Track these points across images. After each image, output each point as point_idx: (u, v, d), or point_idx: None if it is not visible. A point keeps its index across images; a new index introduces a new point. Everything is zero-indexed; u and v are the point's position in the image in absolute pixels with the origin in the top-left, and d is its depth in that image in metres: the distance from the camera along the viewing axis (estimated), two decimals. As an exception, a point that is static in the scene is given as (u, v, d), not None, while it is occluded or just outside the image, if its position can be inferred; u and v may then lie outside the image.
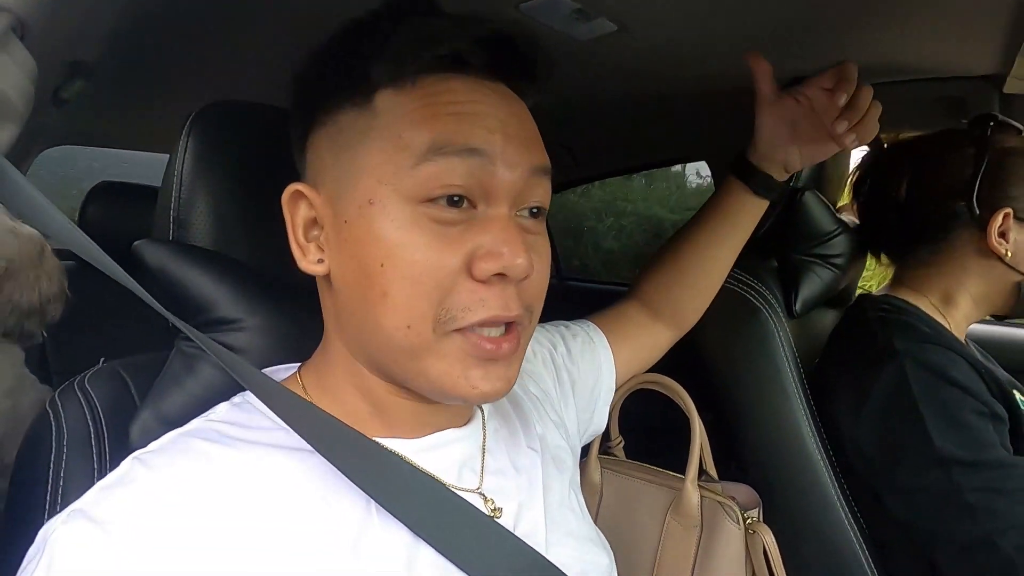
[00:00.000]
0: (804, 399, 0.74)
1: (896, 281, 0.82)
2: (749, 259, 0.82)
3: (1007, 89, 0.85)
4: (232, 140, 0.49)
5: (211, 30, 0.74)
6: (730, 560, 0.65)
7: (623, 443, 0.82)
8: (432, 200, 0.37)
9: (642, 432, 0.81)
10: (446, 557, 0.37)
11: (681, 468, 0.70)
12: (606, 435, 0.81)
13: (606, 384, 0.67)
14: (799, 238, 0.84)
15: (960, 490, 0.61)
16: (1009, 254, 0.72)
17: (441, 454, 0.43)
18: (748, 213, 0.68)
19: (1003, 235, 0.72)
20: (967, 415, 0.64)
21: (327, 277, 0.41)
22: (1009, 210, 0.72)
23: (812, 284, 0.84)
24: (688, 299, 0.72)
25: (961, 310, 0.77)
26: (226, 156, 0.49)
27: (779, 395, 0.74)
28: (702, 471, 0.74)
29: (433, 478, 0.40)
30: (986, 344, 0.87)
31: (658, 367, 0.75)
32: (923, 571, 0.66)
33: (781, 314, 0.79)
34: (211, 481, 0.36)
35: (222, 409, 0.42)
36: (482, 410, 0.49)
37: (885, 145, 0.87)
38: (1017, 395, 0.75)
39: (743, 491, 0.72)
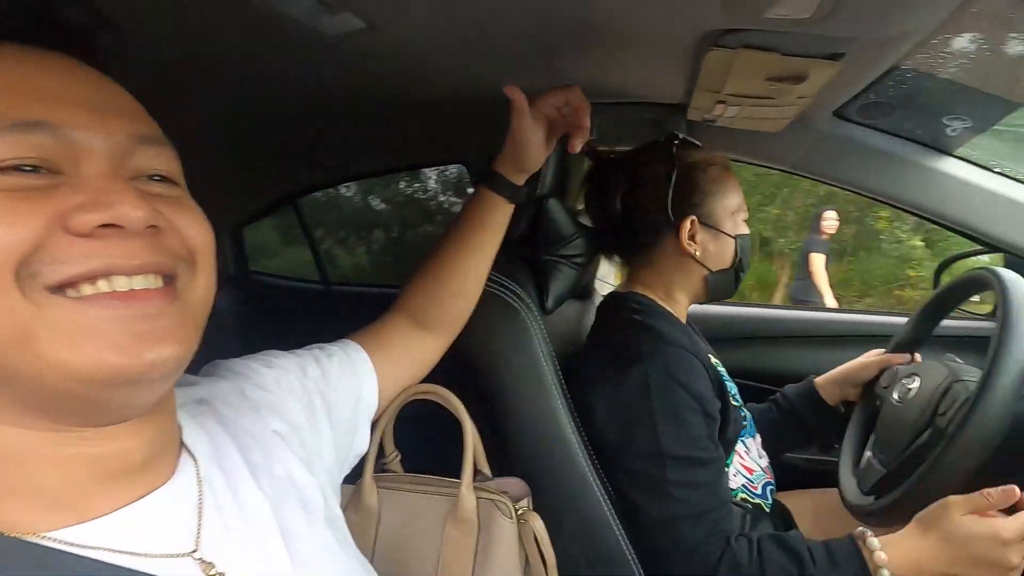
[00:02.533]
0: (560, 389, 0.81)
1: (631, 278, 0.95)
2: (505, 262, 0.87)
3: (690, 116, 1.06)
4: None
5: None
6: (505, 554, 0.68)
7: (399, 457, 0.80)
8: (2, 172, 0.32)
9: (422, 442, 0.80)
10: None
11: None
12: (380, 452, 0.78)
13: (368, 404, 0.64)
14: (546, 241, 0.93)
15: (666, 480, 0.74)
16: (698, 254, 0.88)
17: (140, 526, 0.36)
18: (499, 218, 0.72)
19: (692, 238, 0.88)
20: (688, 415, 0.76)
21: None
22: (694, 217, 0.87)
23: (560, 282, 0.93)
24: (452, 306, 0.73)
25: (679, 302, 0.93)
26: None
27: (539, 388, 0.80)
28: (477, 472, 0.76)
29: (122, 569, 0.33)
30: (694, 318, 1.06)
31: (435, 373, 0.74)
32: (650, 552, 0.77)
33: (536, 311, 0.86)
34: None
35: None
36: (194, 459, 0.41)
37: (598, 160, 0.99)
38: (730, 389, 0.93)
39: (514, 484, 0.76)
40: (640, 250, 0.92)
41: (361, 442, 0.65)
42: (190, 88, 0.90)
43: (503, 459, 0.79)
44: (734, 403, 0.88)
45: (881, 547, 0.67)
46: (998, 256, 1.20)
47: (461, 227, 0.72)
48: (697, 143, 0.95)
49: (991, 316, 1.26)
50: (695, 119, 1.06)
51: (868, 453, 0.88)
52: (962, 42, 0.82)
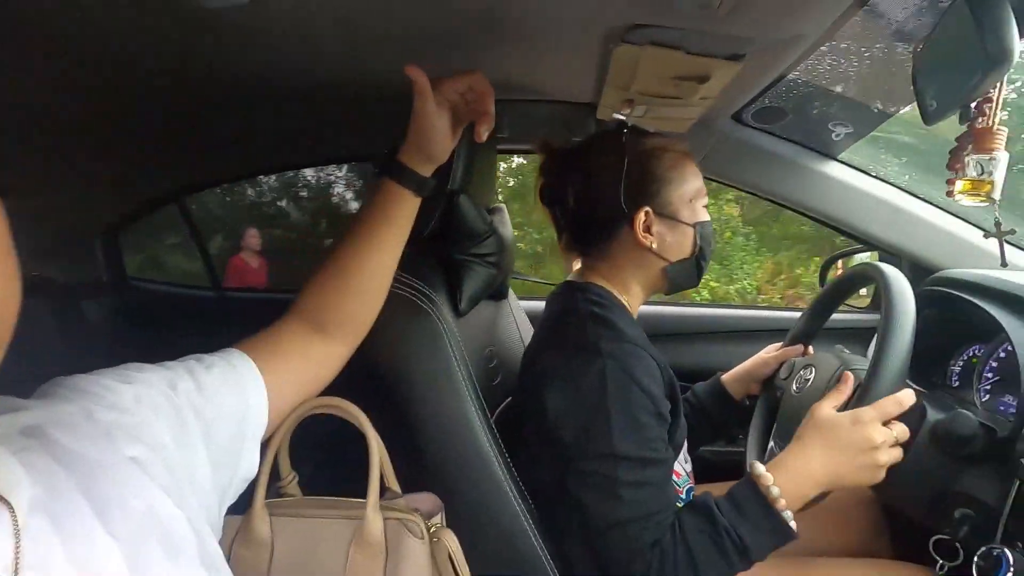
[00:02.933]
0: (475, 395, 0.77)
1: (588, 268, 0.91)
2: (414, 262, 0.82)
3: (599, 115, 1.06)
4: None
5: None
6: (417, 577, 0.63)
7: (296, 478, 0.72)
8: None
9: (324, 460, 0.73)
10: None
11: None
12: (275, 475, 0.70)
13: (256, 421, 0.56)
14: (458, 239, 0.88)
15: (618, 481, 0.71)
16: (655, 246, 0.84)
17: None
18: (404, 212, 0.67)
19: (648, 230, 0.84)
20: (643, 415, 0.74)
21: None
22: (648, 208, 0.83)
23: (474, 281, 0.89)
24: (356, 309, 0.67)
25: (635, 295, 0.89)
26: None
27: (452, 395, 0.75)
28: (385, 489, 0.70)
29: None
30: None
31: (336, 383, 0.67)
32: (591, 556, 0.74)
33: (448, 313, 0.81)
34: None
35: None
36: (9, 507, 0.33)
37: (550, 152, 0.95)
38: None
39: (426, 499, 0.70)
40: (596, 243, 0.88)
41: (249, 464, 0.57)
42: (48, 68, 0.77)
43: (414, 474, 0.74)
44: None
45: (768, 473, 0.70)
46: (874, 253, 1.31)
47: (364, 222, 0.66)
48: (648, 130, 0.91)
49: (869, 309, 1.38)
50: (604, 118, 1.07)
51: (772, 443, 0.91)
52: (843, 53, 0.88)
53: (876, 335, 0.74)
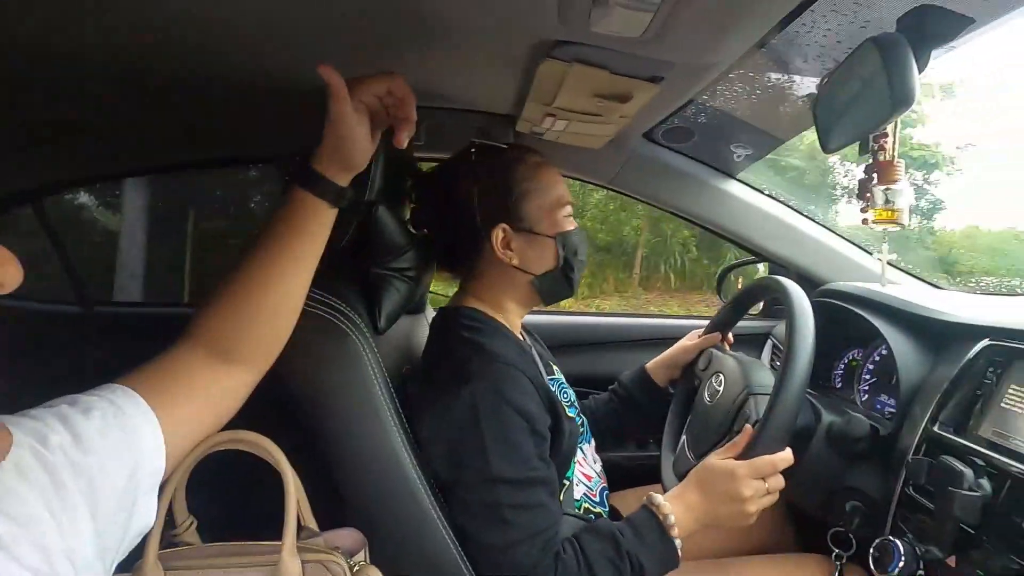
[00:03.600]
0: (398, 420, 0.72)
1: (463, 291, 0.90)
2: (329, 277, 0.76)
3: (519, 127, 1.06)
4: None
5: None
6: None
7: (195, 523, 0.64)
8: None
9: (230, 499, 0.65)
10: None
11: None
12: (170, 522, 0.61)
13: (151, 468, 0.49)
14: (377, 253, 0.83)
15: (501, 505, 0.70)
16: (515, 261, 0.83)
17: None
18: (319, 225, 0.62)
19: (508, 246, 0.83)
20: (519, 436, 0.73)
21: None
22: (504, 225, 0.82)
23: (393, 298, 0.84)
24: (265, 332, 0.60)
25: (511, 311, 0.89)
26: None
27: (374, 420, 0.70)
28: (302, 528, 0.64)
29: None
30: (532, 327, 1.05)
31: (241, 413, 0.60)
32: None
33: (367, 332, 0.76)
34: None
35: None
36: None
37: (414, 176, 0.93)
38: (568, 397, 0.93)
39: (348, 536, 0.65)
40: (463, 263, 0.88)
41: (144, 517, 0.50)
42: None
43: (333, 508, 0.68)
44: (569, 414, 0.88)
45: (666, 503, 0.74)
46: (765, 265, 1.43)
47: (274, 236, 0.60)
48: (500, 145, 0.88)
49: (761, 316, 1.49)
50: (523, 131, 1.06)
51: (683, 437, 0.94)
52: (748, 81, 0.94)
53: (785, 347, 0.78)
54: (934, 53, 0.61)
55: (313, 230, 0.61)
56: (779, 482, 0.73)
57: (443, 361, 0.79)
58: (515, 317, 0.89)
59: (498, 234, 0.82)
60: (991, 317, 0.79)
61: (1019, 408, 0.67)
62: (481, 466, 0.70)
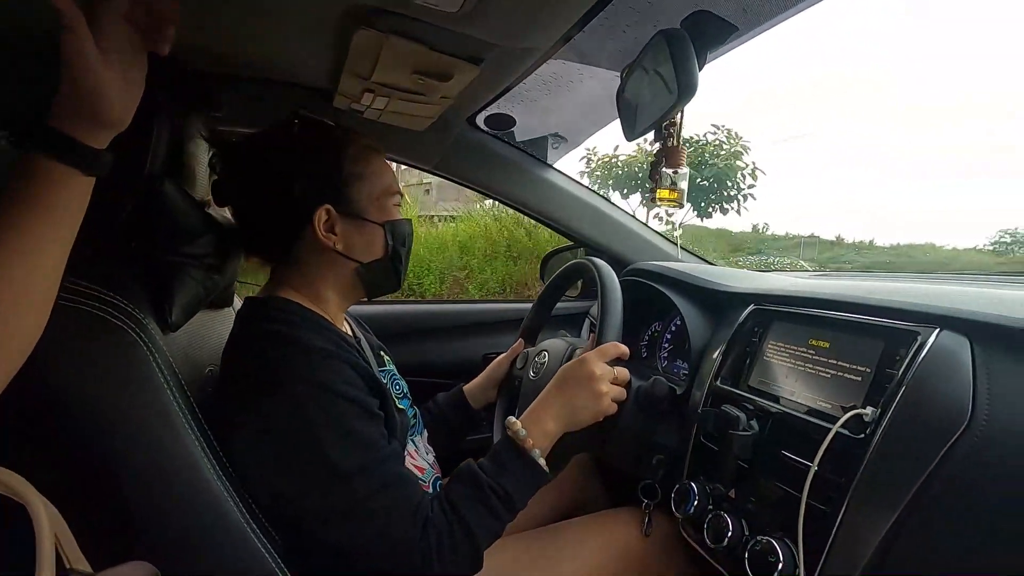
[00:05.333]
0: (196, 427, 0.62)
1: (276, 280, 0.80)
2: (102, 267, 0.63)
3: (336, 103, 0.99)
4: None
5: None
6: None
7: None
8: None
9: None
10: None
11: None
12: None
13: None
14: (165, 236, 0.71)
15: (360, 498, 0.65)
16: (339, 246, 0.76)
17: None
18: (72, 199, 0.49)
19: (332, 229, 0.76)
20: (355, 423, 0.67)
21: None
22: (328, 206, 0.75)
23: (188, 288, 0.73)
24: (9, 325, 0.47)
25: (332, 303, 0.81)
26: None
27: (164, 429, 0.60)
28: (68, 572, 0.52)
29: None
30: (362, 318, 1.00)
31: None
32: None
33: (154, 330, 0.64)
34: None
35: None
36: None
37: (219, 145, 0.81)
38: (400, 388, 0.89)
39: (133, 571, 0.55)
40: (277, 248, 0.78)
41: None
42: None
43: (119, 540, 0.57)
44: (400, 406, 0.85)
45: (517, 421, 0.76)
46: (583, 249, 1.54)
47: (8, 214, 0.47)
48: (327, 122, 0.80)
49: (580, 297, 1.61)
50: (341, 107, 1.00)
51: (516, 412, 0.98)
52: (564, 71, 0.99)
53: (598, 308, 0.86)
54: (709, 56, 0.70)
55: (62, 205, 0.48)
56: (624, 372, 0.80)
57: (253, 360, 0.69)
58: (336, 309, 0.82)
59: (321, 215, 0.74)
60: (754, 286, 0.95)
61: (776, 359, 0.81)
62: (326, 468, 0.64)
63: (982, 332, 0.60)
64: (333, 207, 0.75)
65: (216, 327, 0.88)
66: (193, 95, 0.83)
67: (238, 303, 1.00)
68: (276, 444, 0.65)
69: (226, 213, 0.86)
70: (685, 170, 0.79)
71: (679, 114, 0.72)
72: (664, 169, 0.78)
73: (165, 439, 0.60)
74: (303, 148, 0.75)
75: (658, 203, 0.83)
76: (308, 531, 0.66)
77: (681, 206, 0.83)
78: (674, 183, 0.78)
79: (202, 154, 0.85)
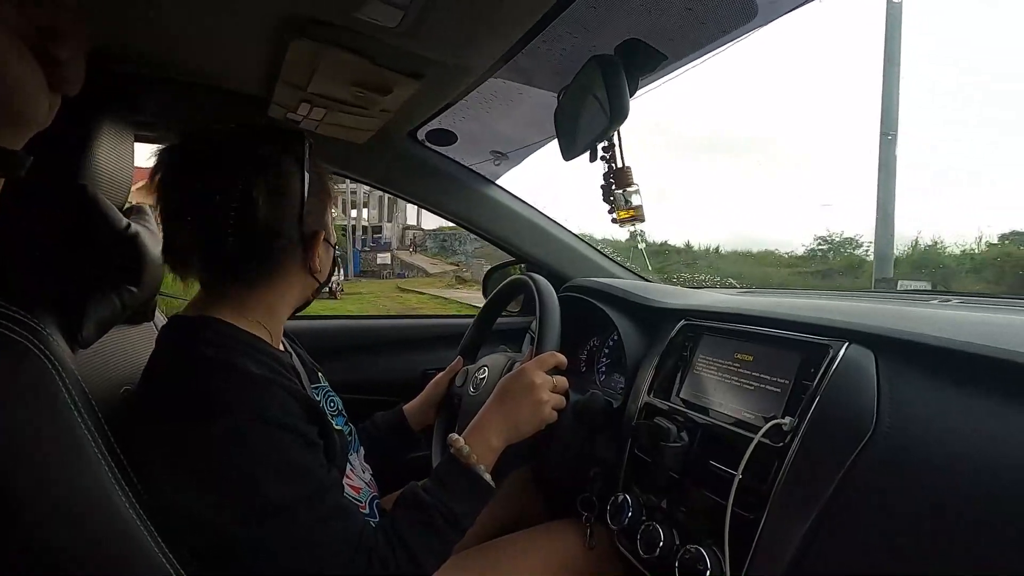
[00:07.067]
0: (108, 454, 0.57)
1: (213, 299, 0.72)
2: (5, 280, 0.58)
3: (272, 112, 0.96)
4: None
5: None
6: None
7: None
8: None
9: None
10: None
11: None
12: None
13: None
14: (82, 247, 0.67)
15: (309, 527, 0.62)
16: (320, 268, 0.76)
17: None
18: None
19: (318, 254, 0.74)
20: (293, 453, 0.64)
21: None
22: (323, 232, 0.73)
23: (103, 302, 0.68)
24: None
25: (279, 319, 0.77)
26: None
27: (72, 457, 0.54)
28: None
29: None
30: (295, 333, 0.95)
31: None
32: None
33: (61, 347, 0.59)
34: None
35: None
36: None
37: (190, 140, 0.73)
38: (334, 405, 0.86)
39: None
40: (250, 269, 0.70)
41: None
42: None
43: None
44: (336, 425, 0.83)
45: (459, 437, 0.75)
46: (523, 265, 1.56)
47: None
48: (299, 129, 0.80)
49: (520, 313, 1.62)
50: (277, 116, 0.97)
51: (456, 430, 0.97)
52: (502, 90, 1.01)
53: (537, 322, 0.87)
54: (641, 83, 0.74)
55: None
56: (563, 381, 0.81)
57: (184, 386, 0.64)
58: (279, 327, 0.79)
59: (320, 240, 0.72)
60: (685, 302, 0.99)
61: (705, 373, 0.84)
62: (259, 500, 0.60)
63: (886, 346, 0.66)
64: (322, 231, 0.74)
65: (134, 343, 0.83)
66: (112, 96, 0.79)
67: (159, 318, 0.94)
68: (208, 475, 0.61)
69: (148, 222, 0.81)
70: (636, 186, 0.83)
71: (616, 136, 0.75)
72: (616, 191, 0.81)
73: (75, 469, 0.54)
74: (312, 166, 0.70)
75: (620, 224, 0.86)
76: (245, 567, 0.62)
77: (643, 220, 0.87)
78: (628, 201, 0.82)
79: (123, 157, 0.80)
